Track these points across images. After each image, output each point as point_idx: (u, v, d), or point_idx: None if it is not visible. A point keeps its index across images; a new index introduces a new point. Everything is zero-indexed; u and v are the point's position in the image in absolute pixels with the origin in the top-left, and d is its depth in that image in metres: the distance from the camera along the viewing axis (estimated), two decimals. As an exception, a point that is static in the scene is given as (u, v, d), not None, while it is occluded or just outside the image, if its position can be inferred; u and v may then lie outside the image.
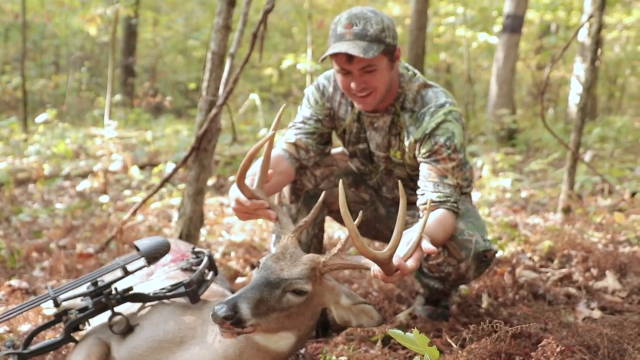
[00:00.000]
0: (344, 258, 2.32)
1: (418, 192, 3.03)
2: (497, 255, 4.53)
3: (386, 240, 3.60)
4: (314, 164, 3.28)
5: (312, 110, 3.25)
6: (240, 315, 2.11)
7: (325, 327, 3.36)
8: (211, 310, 2.14)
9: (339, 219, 3.56)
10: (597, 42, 5.76)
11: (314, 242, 3.38)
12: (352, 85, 2.95)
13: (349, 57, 2.86)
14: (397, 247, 2.18)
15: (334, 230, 5.68)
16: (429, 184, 2.97)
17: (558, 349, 2.54)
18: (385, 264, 2.16)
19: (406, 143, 3.09)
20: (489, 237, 4.79)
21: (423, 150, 3.01)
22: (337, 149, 3.50)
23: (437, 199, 2.92)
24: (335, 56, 2.91)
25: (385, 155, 3.22)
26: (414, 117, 3.07)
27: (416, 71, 3.17)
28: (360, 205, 3.41)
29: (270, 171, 2.65)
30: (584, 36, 12.12)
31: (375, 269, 2.21)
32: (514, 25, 11.14)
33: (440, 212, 2.88)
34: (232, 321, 2.10)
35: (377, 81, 2.94)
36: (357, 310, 2.40)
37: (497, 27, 14.49)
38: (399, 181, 2.31)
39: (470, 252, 2.97)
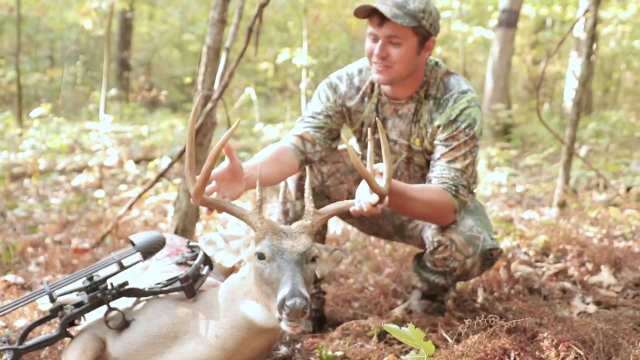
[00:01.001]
0: (322, 212, 2.47)
1: (428, 175, 3.09)
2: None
3: (387, 236, 3.62)
4: (321, 161, 3.27)
5: (323, 106, 3.24)
6: (310, 300, 2.13)
7: (322, 322, 3.37)
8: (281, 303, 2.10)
9: (343, 217, 3.55)
10: (593, 36, 5.76)
11: (317, 238, 3.37)
12: (375, 51, 2.97)
13: (380, 21, 2.91)
14: (391, 179, 2.48)
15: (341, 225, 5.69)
16: (437, 167, 3.03)
17: (553, 344, 2.55)
18: (384, 195, 2.46)
19: (429, 129, 3.12)
20: (495, 235, 4.84)
21: (443, 135, 3.05)
22: (343, 145, 3.48)
23: (436, 182, 2.99)
24: (370, 18, 2.96)
25: (407, 144, 3.23)
26: (436, 104, 3.11)
27: (437, 60, 3.20)
28: None
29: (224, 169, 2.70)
30: (579, 31, 12.11)
31: (362, 203, 2.50)
32: (510, 19, 11.14)
33: (432, 185, 2.99)
34: (309, 309, 2.10)
35: (399, 57, 2.95)
36: (331, 259, 2.53)
37: (493, 22, 14.48)
38: (379, 120, 2.54)
39: (478, 249, 2.99)
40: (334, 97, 3.25)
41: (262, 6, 4.32)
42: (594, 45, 5.87)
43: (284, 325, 2.14)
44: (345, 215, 3.38)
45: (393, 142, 3.26)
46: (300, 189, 3.25)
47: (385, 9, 2.86)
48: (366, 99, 3.23)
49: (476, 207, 3.23)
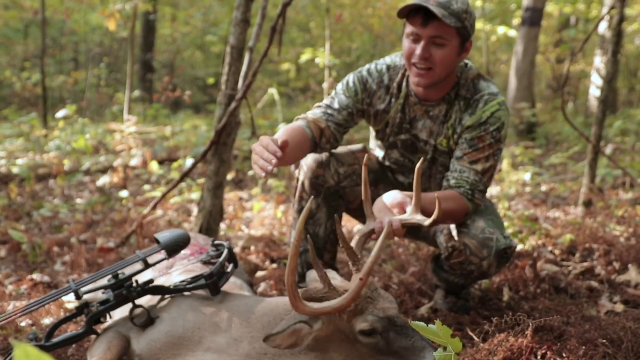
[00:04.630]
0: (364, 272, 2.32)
1: (447, 173, 3.09)
2: (518, 248, 4.50)
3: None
4: (338, 162, 3.26)
5: (350, 100, 3.18)
6: None
7: None
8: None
9: (356, 216, 3.55)
10: (619, 34, 5.69)
11: (331, 237, 3.37)
12: (417, 51, 2.91)
13: (424, 21, 2.85)
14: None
15: (353, 224, 5.68)
16: (457, 167, 3.04)
17: (581, 343, 2.52)
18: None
19: (457, 129, 3.10)
20: (508, 232, 4.80)
21: (470, 135, 3.04)
22: (357, 145, 3.47)
23: (454, 184, 3.00)
24: (411, 17, 2.89)
25: (434, 144, 3.20)
26: (466, 104, 3.08)
27: (467, 61, 3.17)
28: None
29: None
30: (603, 29, 12.00)
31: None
32: (533, 18, 11.07)
33: (447, 191, 2.99)
34: None
35: (442, 59, 2.91)
36: None
37: (516, 20, 14.39)
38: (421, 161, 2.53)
39: (492, 250, 2.99)
40: (363, 94, 3.20)
41: (286, 6, 4.32)
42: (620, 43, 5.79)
43: None
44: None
45: (423, 142, 3.23)
46: (315, 187, 3.25)
47: (433, 9, 2.80)
48: (393, 99, 3.19)
49: (486, 207, 3.22)
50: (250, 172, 8.20)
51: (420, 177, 2.49)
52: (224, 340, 2.34)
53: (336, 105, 3.18)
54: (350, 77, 3.24)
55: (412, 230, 3.44)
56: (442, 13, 2.80)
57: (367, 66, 3.27)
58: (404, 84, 3.17)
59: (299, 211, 3.30)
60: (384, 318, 2.18)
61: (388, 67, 3.21)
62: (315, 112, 3.18)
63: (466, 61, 3.17)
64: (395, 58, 3.23)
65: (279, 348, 2.17)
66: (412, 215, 2.60)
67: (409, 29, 2.94)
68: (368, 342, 2.18)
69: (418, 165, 2.50)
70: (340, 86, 3.25)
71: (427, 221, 2.54)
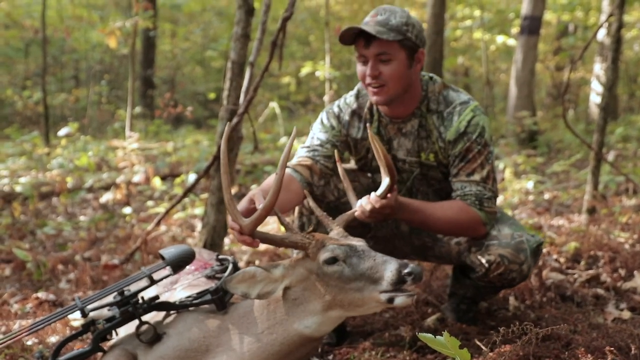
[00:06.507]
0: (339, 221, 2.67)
1: (452, 194, 3.10)
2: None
3: (402, 256, 3.55)
4: (338, 178, 3.25)
5: (329, 134, 3.21)
6: None
7: (342, 336, 3.30)
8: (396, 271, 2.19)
9: (354, 234, 3.52)
10: (618, 40, 5.71)
11: None
12: (367, 72, 2.97)
13: (366, 42, 2.92)
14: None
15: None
16: (457, 185, 3.05)
17: (589, 351, 2.52)
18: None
19: (440, 145, 3.10)
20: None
21: (456, 150, 3.05)
22: (354, 165, 3.46)
23: (460, 200, 3.03)
24: (357, 42, 2.97)
25: (417, 160, 3.20)
26: (440, 117, 3.10)
27: (431, 74, 3.19)
28: (381, 222, 3.37)
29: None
30: (602, 36, 12.02)
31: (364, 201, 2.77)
32: (532, 26, 11.08)
33: (453, 200, 3.04)
34: None
35: (391, 74, 2.94)
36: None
37: (515, 29, 14.43)
38: (368, 126, 2.72)
39: (527, 252, 3.00)
40: (339, 126, 3.23)
41: (286, 20, 4.33)
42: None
43: (401, 300, 2.19)
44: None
45: (402, 161, 3.23)
46: (315, 202, 3.22)
47: (369, 28, 2.87)
48: (368, 124, 3.21)
49: (502, 214, 3.23)
50: (252, 186, 8.20)
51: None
52: (230, 341, 2.39)
53: (317, 142, 3.20)
54: (323, 116, 3.29)
55: (418, 249, 3.42)
56: (378, 30, 2.86)
57: (336, 102, 3.33)
58: (374, 107, 3.21)
59: (301, 228, 3.29)
60: (344, 245, 2.32)
61: (356, 96, 3.26)
62: (298, 155, 3.20)
63: (431, 75, 3.18)
64: (360, 85, 3.27)
65: (250, 297, 2.33)
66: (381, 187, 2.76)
67: (356, 53, 3.02)
68: (334, 271, 2.28)
69: (370, 131, 2.68)
70: (315, 126, 3.29)
71: (388, 179, 2.69)
